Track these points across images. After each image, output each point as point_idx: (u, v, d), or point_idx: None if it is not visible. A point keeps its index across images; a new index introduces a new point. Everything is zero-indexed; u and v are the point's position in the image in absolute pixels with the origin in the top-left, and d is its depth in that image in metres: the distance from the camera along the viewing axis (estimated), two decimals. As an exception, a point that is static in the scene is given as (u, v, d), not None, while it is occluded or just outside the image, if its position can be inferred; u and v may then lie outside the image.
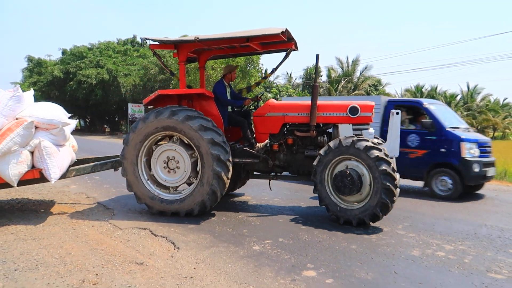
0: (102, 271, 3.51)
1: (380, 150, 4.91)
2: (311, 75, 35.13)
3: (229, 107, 6.40)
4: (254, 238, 4.56)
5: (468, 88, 48.61)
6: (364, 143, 4.93)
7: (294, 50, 6.03)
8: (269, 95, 33.25)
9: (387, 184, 4.75)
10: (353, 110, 5.50)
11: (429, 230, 5.02)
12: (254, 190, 7.67)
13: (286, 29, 5.25)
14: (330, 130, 5.90)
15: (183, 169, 5.51)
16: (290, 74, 40.09)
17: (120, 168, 5.85)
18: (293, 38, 5.73)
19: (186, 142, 5.49)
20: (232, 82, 6.54)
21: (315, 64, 5.59)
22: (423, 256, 4.01)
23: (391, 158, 5.06)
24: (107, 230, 4.83)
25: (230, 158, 5.38)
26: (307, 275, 3.49)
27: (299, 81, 38.85)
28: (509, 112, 52.43)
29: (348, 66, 35.51)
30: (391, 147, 5.17)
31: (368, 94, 33.65)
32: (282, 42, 5.81)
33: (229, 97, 6.30)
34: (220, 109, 5.88)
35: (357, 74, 35.57)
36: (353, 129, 5.51)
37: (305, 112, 5.68)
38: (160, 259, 3.86)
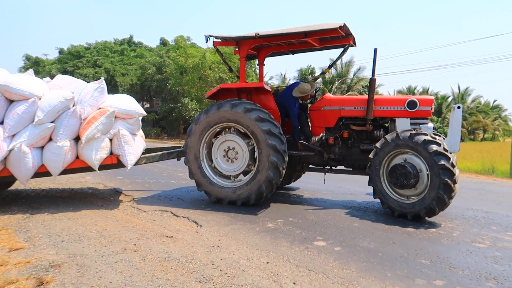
0: (139, 242, 4.02)
1: (439, 144, 4.79)
2: (305, 76, 35.76)
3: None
4: (267, 218, 5.10)
5: (459, 89, 49.60)
6: (423, 137, 4.83)
7: (352, 45, 6.17)
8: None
9: (446, 179, 4.65)
10: (412, 104, 5.49)
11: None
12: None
13: (344, 24, 5.35)
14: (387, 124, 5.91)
15: (241, 159, 5.82)
16: (284, 75, 40.68)
17: (182, 158, 6.29)
18: (351, 34, 5.81)
19: (242, 131, 5.78)
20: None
21: (373, 58, 5.58)
22: (417, 231, 4.58)
23: (451, 153, 4.96)
24: (132, 212, 5.33)
25: (286, 149, 5.60)
26: (318, 245, 4.04)
27: (292, 82, 39.44)
28: (499, 114, 53.57)
29: (342, 68, 36.24)
30: (452, 142, 5.14)
31: (361, 95, 34.34)
32: (340, 38, 5.99)
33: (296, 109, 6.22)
34: (284, 102, 6.11)
35: (351, 75, 36.34)
36: (411, 124, 5.50)
37: (361, 106, 5.77)
38: (187, 234, 4.37)
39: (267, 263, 3.50)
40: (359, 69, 35.94)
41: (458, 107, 5.24)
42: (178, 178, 8.40)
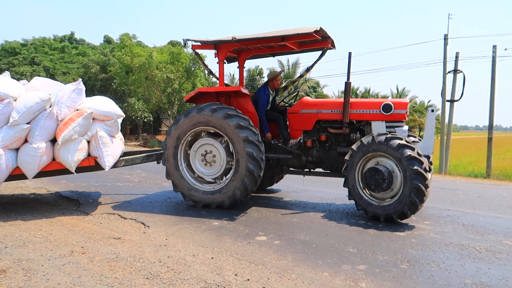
0: (86, 245, 4.12)
1: (413, 149, 4.88)
2: (254, 77, 36.33)
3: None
4: (212, 217, 5.37)
5: (398, 90, 52.67)
6: (397, 141, 4.92)
7: (330, 48, 6.28)
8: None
9: (418, 184, 4.74)
10: (387, 107, 5.59)
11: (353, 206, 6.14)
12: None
13: (321, 28, 5.46)
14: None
15: (219, 163, 5.87)
16: (233, 75, 41.02)
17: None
18: (329, 37, 5.95)
19: (226, 141, 5.82)
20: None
21: (347, 62, 5.75)
22: (348, 224, 5.08)
23: (425, 156, 5.10)
24: (78, 216, 5.36)
25: (263, 157, 5.66)
26: (259, 239, 4.38)
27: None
28: (432, 113, 57.41)
29: (289, 68, 37.22)
30: (425, 145, 5.22)
31: (308, 95, 35.49)
32: (318, 41, 6.08)
33: (269, 105, 6.50)
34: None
35: (297, 76, 37.39)
36: (386, 127, 5.61)
37: (338, 109, 5.84)
38: (134, 234, 4.53)
39: (212, 258, 3.77)
40: (305, 70, 37.06)
41: (432, 111, 5.30)
42: (125, 181, 8.40)
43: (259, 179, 5.68)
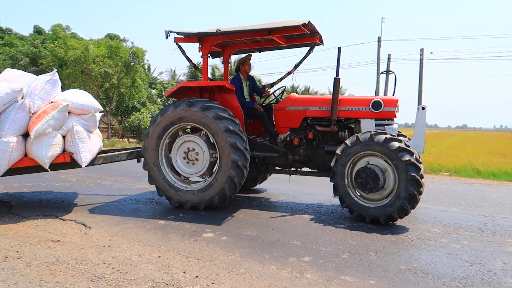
0: (22, 249, 3.87)
1: (400, 141, 4.79)
2: (197, 73, 35.88)
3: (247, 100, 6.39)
4: (158, 215, 5.29)
5: (335, 89, 54.73)
6: (383, 136, 4.83)
7: (318, 44, 6.04)
8: (153, 91, 33.05)
9: (413, 174, 4.61)
10: (376, 105, 5.42)
11: (298, 197, 6.36)
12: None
13: (309, 22, 5.21)
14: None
15: (202, 160, 5.60)
16: (174, 71, 40.25)
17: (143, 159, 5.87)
18: (317, 32, 5.70)
19: (205, 134, 5.57)
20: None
21: (337, 57, 5.54)
22: (292, 218, 5.25)
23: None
24: (11, 219, 5.01)
25: (247, 147, 5.42)
26: (207, 236, 4.39)
27: (183, 78, 39.23)
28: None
29: (231, 66, 37.24)
30: (416, 144, 4.97)
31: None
32: (306, 36, 5.83)
33: (246, 92, 6.39)
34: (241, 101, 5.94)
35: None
36: (376, 125, 5.46)
37: (326, 106, 5.67)
38: (75, 236, 4.33)
39: (159, 257, 3.73)
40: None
41: (423, 108, 5.15)
42: (61, 180, 7.96)
43: (246, 170, 5.43)
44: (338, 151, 5.13)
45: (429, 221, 5.28)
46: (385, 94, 18.38)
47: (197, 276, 3.29)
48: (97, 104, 5.66)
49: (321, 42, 6.08)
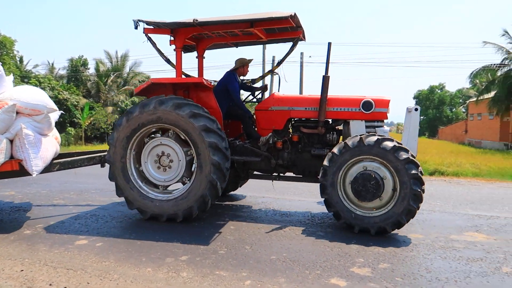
0: None
1: (407, 151, 4.45)
2: (77, 67, 33.21)
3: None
4: (24, 225, 4.83)
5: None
6: (391, 143, 4.45)
7: (301, 39, 5.66)
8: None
9: (417, 189, 4.34)
10: (367, 105, 5.11)
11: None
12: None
13: (295, 14, 4.80)
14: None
15: (177, 165, 5.02)
16: (52, 64, 36.64)
17: (108, 164, 5.15)
18: (301, 26, 5.29)
19: (181, 135, 4.99)
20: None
21: (326, 53, 5.14)
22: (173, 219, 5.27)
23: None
24: None
25: (228, 146, 4.99)
26: (80, 243, 4.16)
27: (63, 72, 35.98)
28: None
29: (117, 61, 35.36)
30: (409, 147, 4.64)
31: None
32: (289, 30, 5.46)
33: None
34: (219, 100, 5.37)
35: (127, 69, 35.90)
36: (366, 126, 5.16)
37: (313, 106, 5.26)
38: None
39: (22, 270, 3.42)
40: (135, 63, 35.86)
41: (416, 109, 5.00)
42: None
43: (227, 172, 5.00)
44: (335, 150, 4.64)
45: (301, 213, 5.77)
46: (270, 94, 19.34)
47: (65, 287, 3.12)
48: (51, 104, 4.97)
49: (304, 38, 5.72)
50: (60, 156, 5.51)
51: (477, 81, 30.73)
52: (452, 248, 4.21)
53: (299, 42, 5.75)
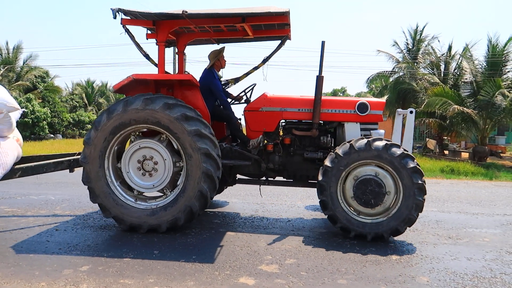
0: None
1: (413, 159, 4.35)
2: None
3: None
4: None
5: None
6: (398, 150, 4.33)
7: (289, 39, 5.40)
8: None
9: (420, 199, 4.29)
10: (362, 107, 5.01)
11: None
12: None
13: (289, 11, 4.57)
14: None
15: (162, 170, 4.58)
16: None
17: (79, 169, 4.81)
18: (289, 24, 5.05)
19: (164, 135, 4.55)
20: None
21: (320, 52, 4.92)
22: (67, 225, 4.88)
23: None
24: None
25: (220, 153, 4.60)
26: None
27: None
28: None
29: (8, 53, 31.69)
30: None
31: (34, 85, 31.46)
32: (275, 28, 5.21)
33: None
34: (205, 100, 4.93)
35: (20, 63, 32.38)
36: (361, 129, 5.05)
37: (307, 107, 5.05)
38: None
39: None
40: (30, 56, 32.45)
41: (411, 112, 4.97)
42: None
43: (217, 181, 4.61)
44: (339, 151, 4.45)
45: (211, 214, 5.75)
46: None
47: None
48: (12, 102, 4.46)
49: (289, 37, 5.50)
50: (22, 160, 4.96)
51: (373, 86, 33.67)
52: (348, 240, 4.54)
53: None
